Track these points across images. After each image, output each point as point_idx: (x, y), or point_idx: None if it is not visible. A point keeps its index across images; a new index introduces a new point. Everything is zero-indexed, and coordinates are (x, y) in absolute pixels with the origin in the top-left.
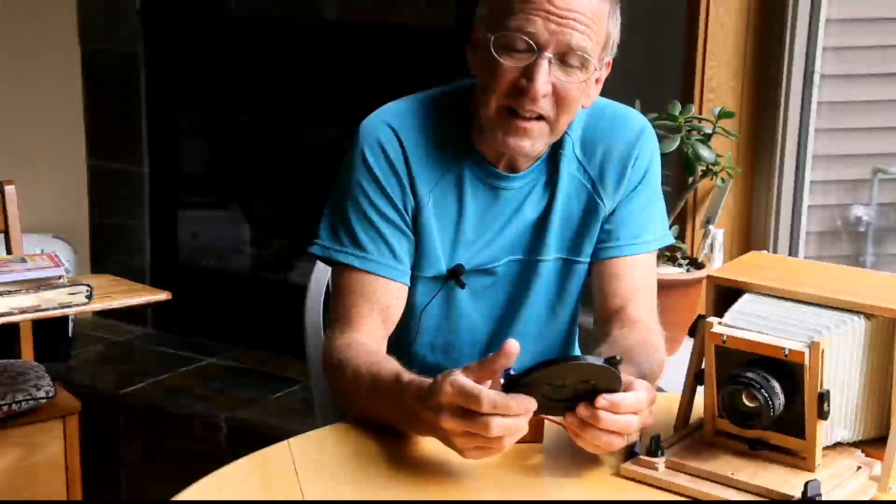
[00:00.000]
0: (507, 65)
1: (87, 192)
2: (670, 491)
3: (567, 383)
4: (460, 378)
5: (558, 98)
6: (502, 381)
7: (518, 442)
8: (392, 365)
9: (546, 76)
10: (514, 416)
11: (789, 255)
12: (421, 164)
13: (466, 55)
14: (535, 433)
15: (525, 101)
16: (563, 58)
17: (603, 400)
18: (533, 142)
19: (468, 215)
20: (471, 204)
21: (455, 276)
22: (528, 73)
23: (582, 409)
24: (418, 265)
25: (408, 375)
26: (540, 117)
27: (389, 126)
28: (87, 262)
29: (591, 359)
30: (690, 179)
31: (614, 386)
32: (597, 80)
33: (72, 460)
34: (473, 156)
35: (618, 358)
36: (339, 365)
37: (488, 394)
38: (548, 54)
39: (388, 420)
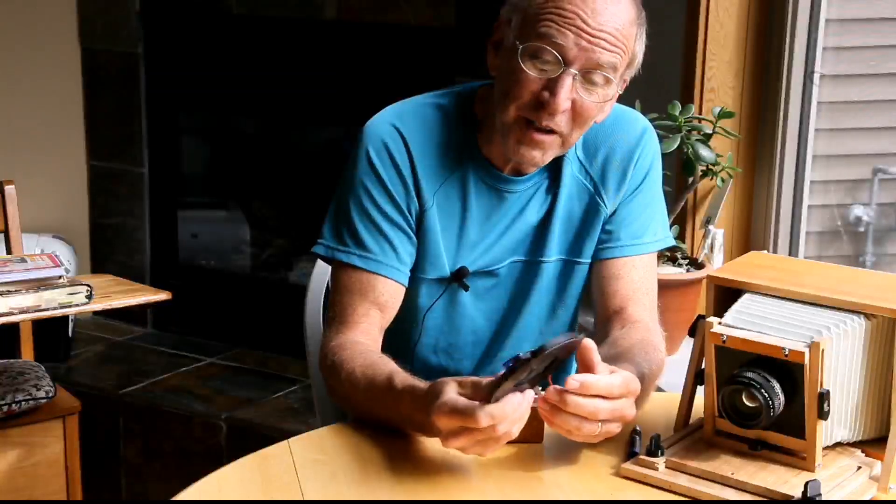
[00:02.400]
0: (532, 75)
1: (87, 192)
2: (670, 491)
3: (537, 369)
4: (451, 400)
5: (576, 114)
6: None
7: (518, 442)
8: (386, 367)
9: (568, 92)
10: (511, 419)
11: (789, 255)
12: (425, 165)
13: (486, 55)
14: (534, 433)
15: (543, 115)
16: (588, 75)
17: (573, 381)
18: (544, 153)
19: (472, 217)
20: (475, 206)
21: (458, 278)
22: (551, 86)
23: (551, 394)
24: (422, 267)
25: (400, 381)
26: (553, 131)
27: (394, 127)
28: (87, 262)
29: (552, 343)
30: (690, 179)
31: (573, 348)
32: (612, 97)
33: (72, 460)
34: (478, 158)
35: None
36: (334, 367)
37: (481, 410)
38: (573, 70)
39: (384, 422)
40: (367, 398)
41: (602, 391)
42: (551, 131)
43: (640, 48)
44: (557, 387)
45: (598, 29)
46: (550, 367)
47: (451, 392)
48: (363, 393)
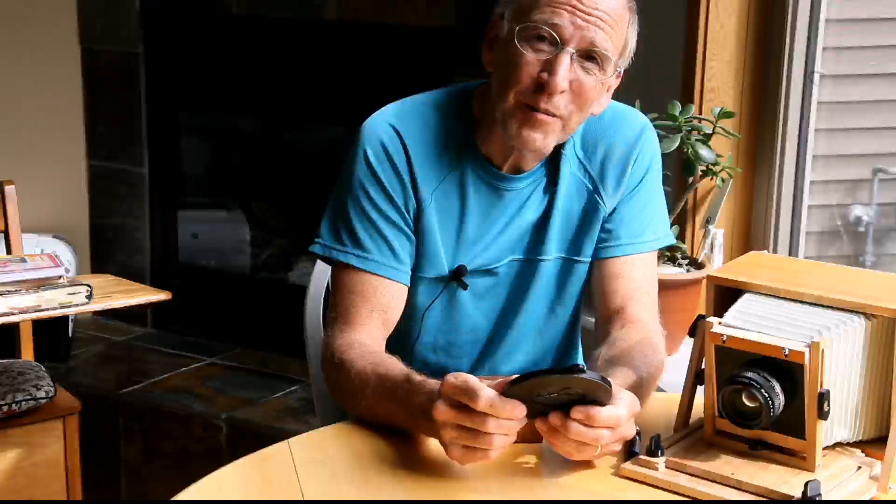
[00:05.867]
0: (530, 57)
1: (87, 192)
2: (670, 491)
3: (560, 393)
4: (465, 375)
5: (575, 95)
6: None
7: (518, 442)
8: (400, 365)
9: (567, 71)
10: (505, 419)
11: (789, 255)
12: (423, 164)
13: (481, 53)
14: (534, 433)
15: (543, 98)
16: (585, 55)
17: (578, 413)
18: (545, 136)
19: (470, 216)
20: (473, 205)
21: (457, 277)
22: (550, 66)
23: (553, 418)
24: (420, 266)
25: (419, 376)
26: (554, 114)
27: (392, 126)
28: (87, 262)
29: (590, 375)
30: (690, 179)
31: (605, 401)
32: (608, 88)
33: (72, 460)
34: (476, 157)
35: (609, 381)
36: (341, 365)
37: (486, 392)
38: (570, 49)
39: (393, 419)
40: (376, 394)
41: (607, 423)
42: (552, 114)
43: (632, 35)
44: (561, 413)
45: (592, 7)
46: (572, 402)
47: (471, 376)
48: (374, 388)
